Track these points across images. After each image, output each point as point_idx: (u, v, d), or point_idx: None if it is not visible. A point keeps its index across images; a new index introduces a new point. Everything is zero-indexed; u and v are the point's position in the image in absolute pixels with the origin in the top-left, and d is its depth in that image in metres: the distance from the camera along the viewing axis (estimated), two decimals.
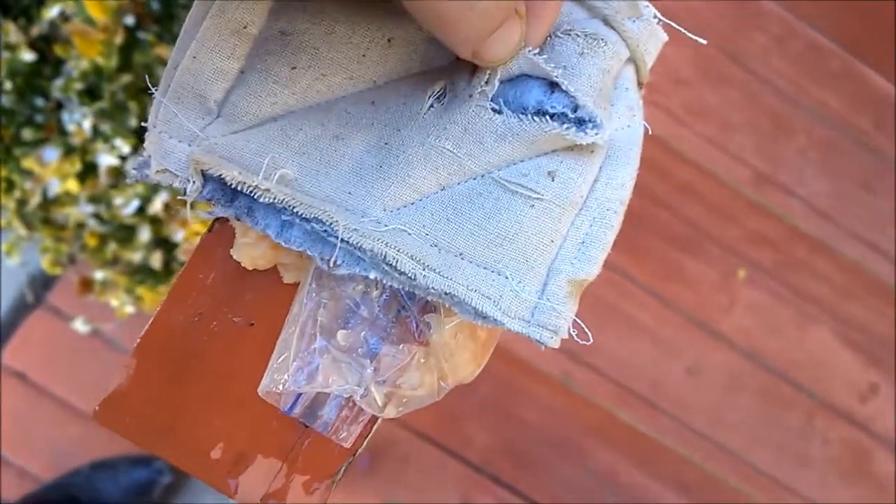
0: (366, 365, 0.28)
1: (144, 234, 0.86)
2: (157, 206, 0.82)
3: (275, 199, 0.26)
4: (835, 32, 1.25)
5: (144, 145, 0.28)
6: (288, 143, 0.27)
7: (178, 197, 0.27)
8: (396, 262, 0.25)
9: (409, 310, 0.29)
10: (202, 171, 0.26)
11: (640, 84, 0.30)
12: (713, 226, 1.17)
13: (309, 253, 0.26)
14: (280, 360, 0.28)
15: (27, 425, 1.01)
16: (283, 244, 0.26)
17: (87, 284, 0.96)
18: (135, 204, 0.82)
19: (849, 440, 1.16)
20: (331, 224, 0.25)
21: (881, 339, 1.18)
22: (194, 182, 0.27)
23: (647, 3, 0.29)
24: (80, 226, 0.87)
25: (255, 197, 0.26)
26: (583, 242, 0.27)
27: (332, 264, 0.26)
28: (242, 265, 0.29)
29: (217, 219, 0.30)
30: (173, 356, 0.30)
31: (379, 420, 0.32)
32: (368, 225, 0.25)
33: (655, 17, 0.29)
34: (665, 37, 0.30)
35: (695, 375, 1.14)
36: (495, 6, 0.23)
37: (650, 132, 0.29)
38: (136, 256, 0.88)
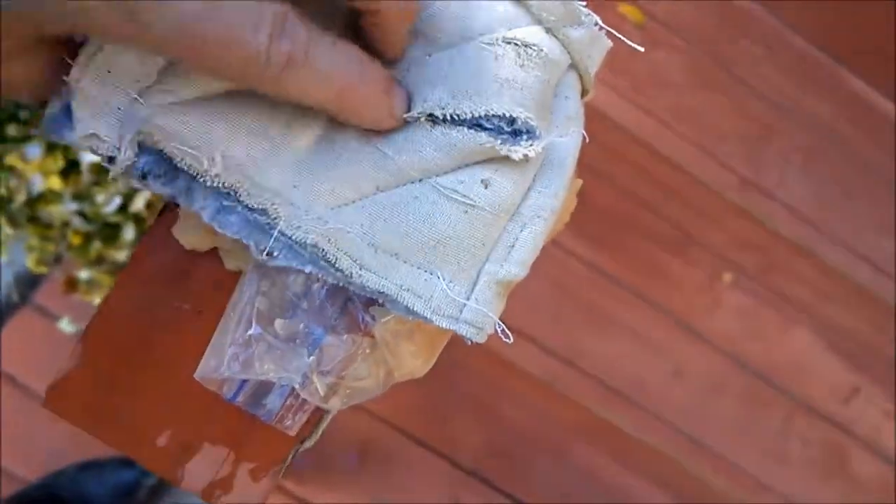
0: (303, 354, 0.28)
1: (129, 233, 0.86)
2: (139, 204, 0.82)
3: (223, 183, 0.25)
4: (821, 40, 1.26)
5: (64, 99, 0.24)
6: (238, 123, 0.25)
7: (108, 168, 0.24)
8: (336, 259, 0.26)
9: (355, 302, 0.29)
10: (139, 141, 0.25)
11: (584, 92, 0.30)
12: (698, 229, 1.18)
13: (244, 241, 0.26)
14: (216, 346, 0.28)
15: (12, 426, 1.01)
16: (216, 228, 0.26)
17: (72, 283, 0.96)
18: (116, 201, 0.82)
19: (829, 441, 1.16)
20: (275, 218, 0.25)
21: (863, 343, 1.19)
22: (126, 151, 0.24)
23: (588, 11, 0.29)
24: (66, 224, 0.87)
25: (199, 178, 0.25)
26: (512, 246, 0.28)
27: (267, 255, 0.26)
28: (185, 247, 0.29)
29: (165, 205, 0.30)
30: (120, 343, 0.30)
31: (333, 411, 0.32)
32: (311, 222, 0.26)
33: (597, 24, 0.29)
34: (609, 43, 0.30)
35: (678, 376, 1.14)
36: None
37: (587, 140, 0.30)
38: (120, 255, 0.88)
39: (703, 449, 1.13)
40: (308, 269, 0.26)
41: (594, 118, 1.16)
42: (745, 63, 1.23)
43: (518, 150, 0.26)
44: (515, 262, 0.28)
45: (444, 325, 0.27)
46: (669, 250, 1.16)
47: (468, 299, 0.27)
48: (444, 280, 0.26)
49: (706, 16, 1.23)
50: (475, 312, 0.27)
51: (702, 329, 1.15)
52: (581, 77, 0.30)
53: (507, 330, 0.27)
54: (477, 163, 0.27)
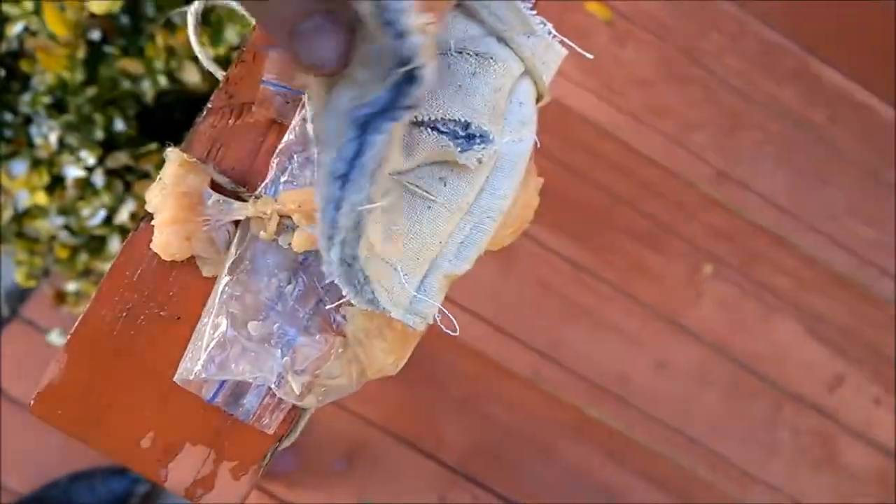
0: (276, 354, 0.29)
1: (115, 245, 0.87)
2: (123, 216, 0.83)
3: None
4: (788, 30, 1.27)
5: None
6: None
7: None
8: (343, 250, 0.26)
9: (326, 303, 0.31)
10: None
11: (539, 97, 0.32)
12: (676, 222, 1.19)
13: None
14: (193, 349, 0.29)
15: (4, 439, 1.01)
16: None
17: (60, 296, 0.96)
18: (101, 214, 0.83)
19: (816, 429, 1.18)
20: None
21: (845, 330, 1.21)
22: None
23: (541, 18, 0.30)
24: (53, 238, 0.87)
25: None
26: (462, 243, 0.30)
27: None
28: (162, 257, 0.30)
29: (143, 217, 0.31)
30: (103, 350, 0.31)
31: (310, 409, 0.33)
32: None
33: (550, 32, 0.30)
34: (563, 51, 0.32)
35: (663, 369, 1.16)
36: None
37: (539, 146, 0.31)
38: (107, 267, 0.88)
39: (692, 442, 1.15)
40: (330, 251, 0.25)
41: (567, 117, 1.18)
42: (715, 55, 1.25)
43: (472, 156, 0.27)
44: (463, 258, 0.29)
45: (395, 316, 0.28)
46: (649, 245, 1.18)
47: (417, 292, 0.29)
48: (401, 272, 0.28)
49: (673, 9, 1.25)
50: (422, 304, 0.29)
51: (685, 322, 1.17)
52: (536, 83, 0.31)
53: (452, 318, 0.29)
54: (434, 162, 0.28)
